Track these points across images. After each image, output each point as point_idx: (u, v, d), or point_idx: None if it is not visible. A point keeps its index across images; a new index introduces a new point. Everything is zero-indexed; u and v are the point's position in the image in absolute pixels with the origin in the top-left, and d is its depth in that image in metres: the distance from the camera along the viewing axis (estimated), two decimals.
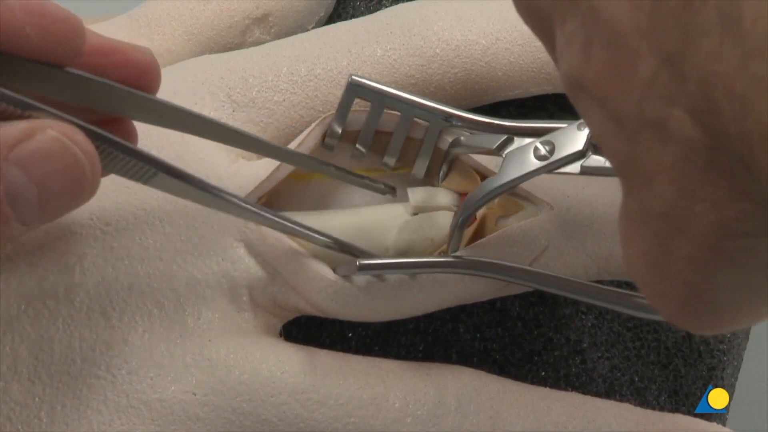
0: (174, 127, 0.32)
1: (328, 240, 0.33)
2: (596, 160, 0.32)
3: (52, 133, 0.26)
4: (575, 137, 0.31)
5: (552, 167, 0.31)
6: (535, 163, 0.31)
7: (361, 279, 0.34)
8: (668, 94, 0.19)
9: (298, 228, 0.33)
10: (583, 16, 0.20)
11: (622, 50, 0.19)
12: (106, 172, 0.28)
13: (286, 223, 0.33)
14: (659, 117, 0.19)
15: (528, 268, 0.34)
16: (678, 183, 0.19)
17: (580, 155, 0.31)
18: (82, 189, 0.27)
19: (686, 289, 0.21)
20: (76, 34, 0.26)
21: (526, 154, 0.31)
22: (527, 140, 0.32)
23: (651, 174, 0.20)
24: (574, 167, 0.32)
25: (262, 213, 0.32)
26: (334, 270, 0.34)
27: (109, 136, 0.27)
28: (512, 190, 0.35)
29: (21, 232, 0.26)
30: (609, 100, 0.20)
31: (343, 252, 0.34)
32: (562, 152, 0.31)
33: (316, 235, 0.33)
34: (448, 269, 0.34)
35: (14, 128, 0.25)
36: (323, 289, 0.34)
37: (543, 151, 0.31)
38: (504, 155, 0.33)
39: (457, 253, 0.34)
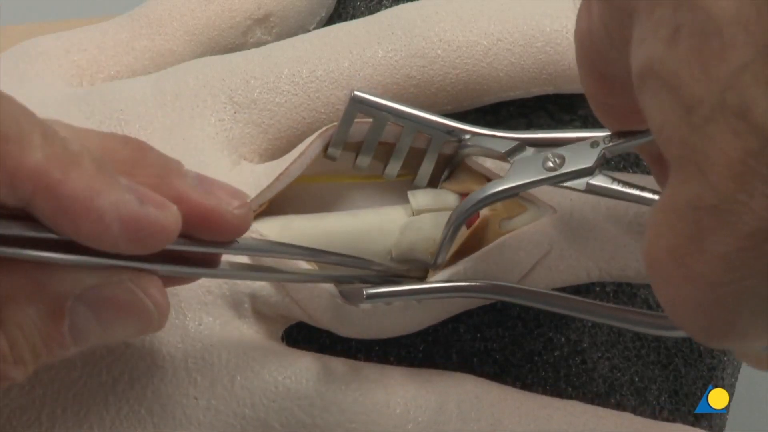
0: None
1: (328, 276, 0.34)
2: (603, 180, 0.32)
3: (127, 284, 0.26)
4: (586, 154, 0.31)
5: (557, 180, 0.31)
6: (541, 173, 0.31)
7: (366, 304, 0.34)
8: (759, 82, 0.19)
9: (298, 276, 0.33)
10: (676, 3, 0.20)
11: (714, 40, 0.19)
12: None
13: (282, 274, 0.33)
14: (742, 106, 0.19)
15: (541, 290, 0.34)
16: (740, 177, 0.19)
17: (587, 172, 0.31)
18: (144, 332, 0.28)
19: (711, 290, 0.21)
20: (168, 239, 0.26)
21: (533, 164, 0.31)
22: (538, 149, 0.32)
23: (710, 164, 0.20)
24: (580, 183, 0.32)
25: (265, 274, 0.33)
26: (340, 292, 0.34)
27: (186, 274, 0.29)
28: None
29: (75, 353, 0.27)
30: (685, 87, 0.20)
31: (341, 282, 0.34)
32: (570, 166, 0.31)
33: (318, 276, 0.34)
34: (458, 294, 0.34)
35: (91, 274, 0.26)
36: (327, 309, 0.34)
37: (552, 163, 0.31)
38: (512, 162, 0.32)
39: (462, 270, 0.34)
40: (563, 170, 0.31)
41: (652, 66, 0.21)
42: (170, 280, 0.29)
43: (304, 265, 0.34)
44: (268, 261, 0.34)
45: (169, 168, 0.28)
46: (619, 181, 0.32)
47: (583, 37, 0.27)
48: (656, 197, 0.30)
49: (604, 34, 0.25)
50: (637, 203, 0.33)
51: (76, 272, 0.26)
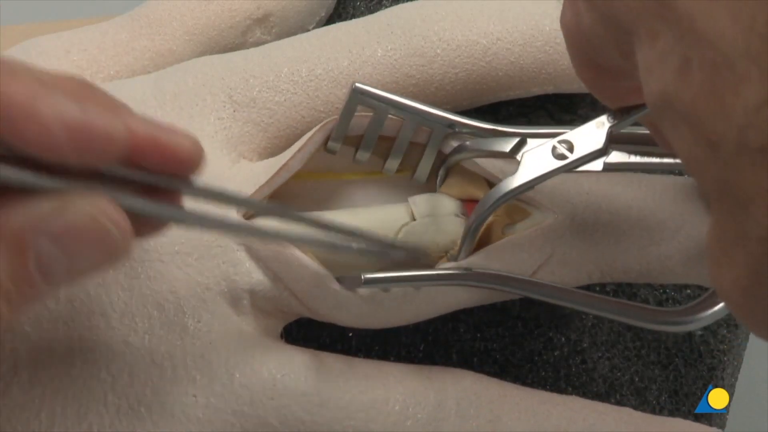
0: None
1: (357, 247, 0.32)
2: (619, 156, 0.31)
3: (85, 209, 0.26)
4: (594, 135, 0.31)
5: (571, 166, 0.31)
6: (554, 163, 0.31)
7: (364, 290, 0.34)
8: None
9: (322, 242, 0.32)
10: (681, 34, 0.20)
11: (727, 74, 0.19)
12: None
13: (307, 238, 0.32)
14: (766, 144, 0.19)
15: (535, 280, 0.34)
16: None
17: (599, 153, 0.31)
18: (112, 259, 0.27)
19: None
20: (115, 146, 0.25)
21: (544, 154, 0.31)
22: (542, 140, 0.32)
23: (748, 199, 0.19)
24: (596, 165, 0.31)
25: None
26: (337, 279, 0.34)
27: (146, 210, 0.27)
28: (518, 197, 0.35)
29: (48, 292, 0.26)
30: (705, 123, 0.20)
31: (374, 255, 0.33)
32: (581, 151, 0.31)
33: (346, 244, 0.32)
34: (454, 282, 0.34)
35: (47, 203, 0.25)
36: (326, 298, 0.34)
37: (561, 150, 0.31)
38: (520, 157, 0.32)
39: (463, 264, 0.34)
40: (575, 156, 0.31)
41: (667, 98, 0.21)
42: (140, 228, 0.28)
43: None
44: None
45: (118, 104, 0.27)
46: (637, 153, 0.32)
47: (572, 32, 0.27)
48: (679, 161, 0.30)
49: (596, 37, 0.25)
50: (662, 171, 0.33)
51: (31, 202, 0.25)
